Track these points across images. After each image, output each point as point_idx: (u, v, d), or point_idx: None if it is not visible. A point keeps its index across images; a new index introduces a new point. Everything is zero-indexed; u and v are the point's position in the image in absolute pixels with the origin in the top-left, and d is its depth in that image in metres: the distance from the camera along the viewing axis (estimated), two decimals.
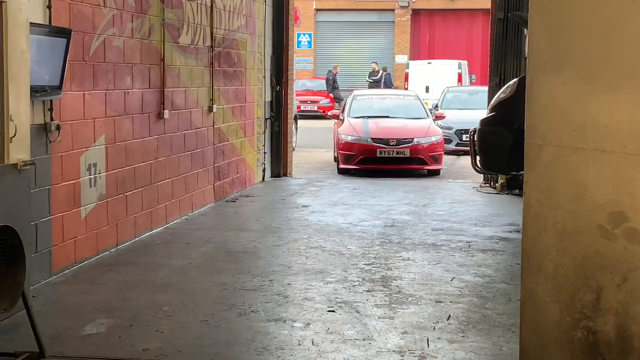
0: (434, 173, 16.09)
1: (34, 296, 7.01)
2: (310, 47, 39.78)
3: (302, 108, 29.09)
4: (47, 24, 7.50)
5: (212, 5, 11.93)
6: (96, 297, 7.28)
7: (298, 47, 39.53)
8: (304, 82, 36.01)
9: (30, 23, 6.83)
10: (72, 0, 8.02)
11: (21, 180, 6.65)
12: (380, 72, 35.47)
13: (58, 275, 7.83)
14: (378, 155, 15.60)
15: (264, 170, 15.04)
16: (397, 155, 15.61)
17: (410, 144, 15.68)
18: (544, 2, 5.06)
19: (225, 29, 12.65)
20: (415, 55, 38.63)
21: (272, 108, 15.40)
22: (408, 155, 15.60)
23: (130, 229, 9.49)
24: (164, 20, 10.24)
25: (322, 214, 11.70)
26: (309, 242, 9.71)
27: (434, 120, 17.72)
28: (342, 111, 18.29)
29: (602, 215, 4.51)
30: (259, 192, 13.67)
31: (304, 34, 39.68)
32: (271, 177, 15.30)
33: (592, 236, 4.58)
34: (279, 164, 15.66)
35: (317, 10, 39.38)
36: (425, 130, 16.20)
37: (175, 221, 10.66)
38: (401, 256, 9.03)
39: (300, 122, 22.91)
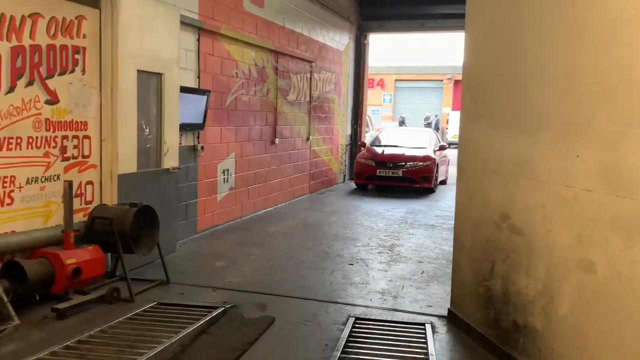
0: (430, 190, 13.06)
1: (181, 246, 7.06)
2: (390, 102, 39.03)
3: None
4: (196, 87, 7.54)
5: (311, 78, 11.79)
6: (217, 249, 7.22)
7: (384, 102, 39.03)
8: (385, 123, 35.34)
9: (182, 87, 6.86)
10: (214, 72, 8.05)
11: (171, 178, 6.67)
12: (432, 117, 34.54)
13: (200, 234, 7.82)
14: (378, 174, 12.79)
15: (344, 176, 14.72)
16: (392, 175, 12.69)
17: (403, 167, 12.63)
18: (470, 79, 4.70)
19: (320, 91, 12.46)
20: (455, 107, 37.25)
21: (351, 138, 15.12)
22: (401, 175, 12.65)
23: (250, 208, 9.42)
24: (277, 85, 10.17)
25: (371, 204, 11.33)
26: (355, 220, 9.38)
27: (436, 150, 13.92)
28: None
29: (496, 214, 4.15)
30: (338, 189, 13.35)
31: (388, 94, 39.02)
32: (349, 180, 14.96)
33: (490, 227, 4.23)
34: (353, 172, 15.26)
35: (396, 80, 38.68)
36: (420, 158, 12.91)
37: (280, 205, 10.50)
38: (408, 232, 8.59)
39: None
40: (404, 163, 12.71)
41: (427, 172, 12.80)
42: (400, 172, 12.62)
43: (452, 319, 4.79)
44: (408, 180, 12.68)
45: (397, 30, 16.45)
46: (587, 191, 3.22)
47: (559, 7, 3.49)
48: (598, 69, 3.15)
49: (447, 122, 32.52)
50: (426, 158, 13.00)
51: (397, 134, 15.47)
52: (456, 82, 38.03)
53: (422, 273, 6.34)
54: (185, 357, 3.84)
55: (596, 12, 3.18)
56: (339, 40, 13.64)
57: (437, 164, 13.24)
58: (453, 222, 9.06)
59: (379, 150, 13.47)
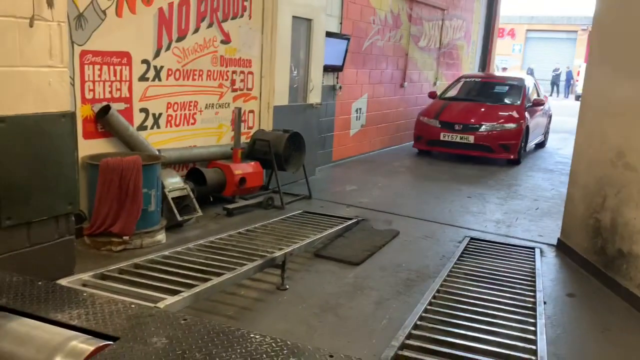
0: (513, 162, 9.18)
1: (319, 171, 7.73)
2: (520, 52, 36.83)
3: None
4: (338, 32, 7.99)
5: (442, 25, 11.72)
6: (349, 176, 7.79)
7: (512, 52, 36.88)
8: (514, 73, 33.51)
9: (327, 32, 7.35)
10: (354, 19, 8.43)
11: (314, 113, 7.30)
12: (559, 68, 32.12)
13: (334, 163, 8.45)
14: (442, 138, 9.09)
15: None
16: (461, 141, 8.96)
17: (476, 131, 8.92)
18: (599, 26, 4.67)
19: (450, 38, 12.34)
20: (586, 59, 34.28)
21: None
22: (472, 141, 8.89)
23: (378, 144, 9.87)
24: (410, 32, 10.31)
25: None
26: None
27: (530, 106, 9.78)
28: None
29: (613, 153, 4.26)
30: None
31: (517, 44, 36.79)
32: None
33: (606, 165, 4.35)
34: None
35: (527, 30, 36.25)
36: (502, 118, 9.15)
37: (405, 144, 10.73)
38: (527, 174, 8.59)
39: None
40: (477, 125, 9.02)
41: (510, 138, 9.02)
42: (471, 138, 8.94)
43: (561, 247, 5.00)
44: (482, 148, 8.97)
45: None
46: None
47: None
48: None
49: (578, 74, 30.17)
50: (511, 118, 9.20)
51: (481, 82, 10.88)
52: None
53: (536, 209, 6.47)
54: (327, 250, 4.50)
55: None
56: None
57: (528, 127, 9.42)
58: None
59: (449, 105, 9.67)
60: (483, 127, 9.02)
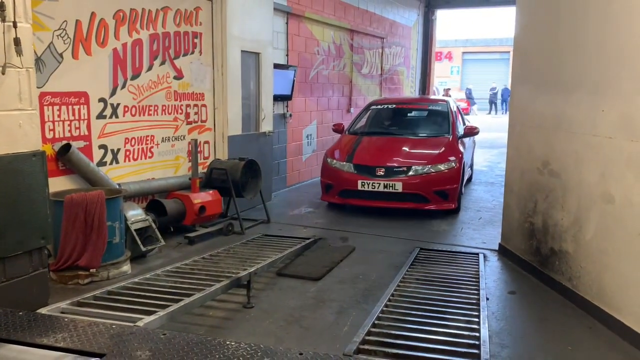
0: (452, 211, 7.05)
1: (275, 196, 8.01)
2: (458, 74, 38.62)
3: None
4: (285, 63, 8.38)
5: (382, 53, 12.35)
6: (304, 199, 8.08)
7: (451, 74, 38.59)
8: (453, 93, 34.95)
9: (275, 64, 7.72)
10: (299, 50, 8.86)
11: (267, 141, 7.60)
12: (496, 87, 33.76)
13: (289, 188, 8.75)
14: (360, 188, 6.81)
15: None
16: (385, 190, 6.71)
17: (404, 175, 6.72)
18: (519, 48, 5.22)
19: (390, 64, 13.00)
20: None
21: None
22: (400, 189, 6.68)
23: None
24: (352, 60, 10.84)
25: None
26: None
27: (462, 136, 7.78)
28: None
29: (539, 162, 4.74)
30: None
31: (455, 66, 38.57)
32: None
33: (534, 173, 4.82)
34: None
35: (463, 52, 38.16)
36: (435, 155, 7.01)
37: None
38: (470, 188, 9.12)
39: None
40: (407, 167, 6.84)
41: (448, 182, 6.86)
42: (399, 185, 6.72)
43: (502, 251, 5.45)
44: (413, 198, 6.78)
45: (463, 6, 16.51)
46: (609, 138, 3.78)
47: None
48: (619, 41, 3.67)
49: None
50: (446, 154, 7.09)
51: (396, 110, 8.55)
52: None
53: (479, 219, 6.95)
54: (289, 268, 4.77)
55: None
56: (408, 17, 14.05)
57: (464, 163, 7.41)
58: None
59: (362, 141, 7.54)
60: (412, 169, 6.81)
